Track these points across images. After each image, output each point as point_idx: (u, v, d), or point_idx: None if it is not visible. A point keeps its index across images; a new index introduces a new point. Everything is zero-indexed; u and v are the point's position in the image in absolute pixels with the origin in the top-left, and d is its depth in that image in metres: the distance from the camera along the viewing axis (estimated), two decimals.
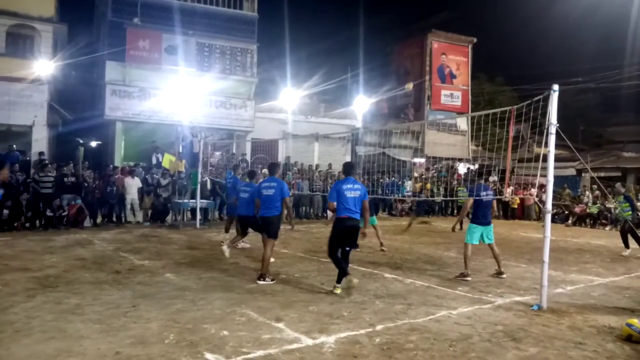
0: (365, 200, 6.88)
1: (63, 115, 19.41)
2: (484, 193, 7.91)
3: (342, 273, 6.64)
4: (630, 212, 11.11)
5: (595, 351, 4.73)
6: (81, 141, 21.18)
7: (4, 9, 16.64)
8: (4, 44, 17.13)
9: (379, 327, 5.20)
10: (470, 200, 8.02)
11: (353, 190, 6.79)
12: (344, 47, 32.11)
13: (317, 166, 20.44)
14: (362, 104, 23.67)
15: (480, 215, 7.95)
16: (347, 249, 6.88)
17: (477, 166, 25.00)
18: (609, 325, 5.51)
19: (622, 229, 11.42)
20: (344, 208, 6.71)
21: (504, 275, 8.04)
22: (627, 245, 11.02)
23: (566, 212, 19.88)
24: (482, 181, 8.16)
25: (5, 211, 12.01)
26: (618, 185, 12.01)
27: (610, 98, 32.10)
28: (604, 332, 5.29)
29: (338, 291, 6.62)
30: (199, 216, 14.23)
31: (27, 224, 12.61)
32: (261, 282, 7.07)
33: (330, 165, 20.61)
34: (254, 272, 7.78)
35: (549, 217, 6.33)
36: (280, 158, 21.10)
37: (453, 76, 27.63)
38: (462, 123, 27.47)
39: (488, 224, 8.01)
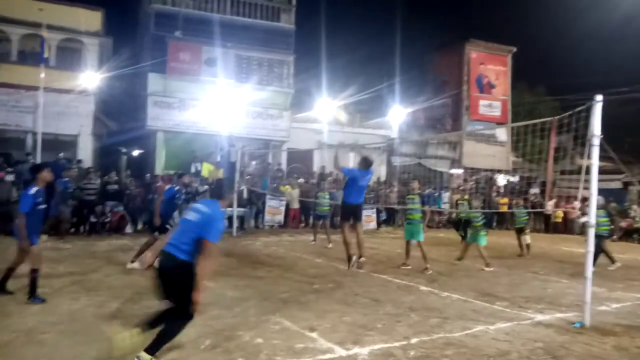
0: (206, 238, 4.11)
1: (107, 126, 20.15)
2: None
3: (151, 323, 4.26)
4: (607, 227, 10.88)
5: None
6: (124, 150, 21.88)
7: (55, 24, 17.49)
8: (54, 57, 18.00)
9: (413, 340, 5.13)
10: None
11: (192, 212, 4.35)
12: (380, 57, 32.18)
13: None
14: (398, 114, 23.53)
15: None
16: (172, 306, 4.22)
17: (517, 178, 24.46)
18: None
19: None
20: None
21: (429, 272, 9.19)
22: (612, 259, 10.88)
23: (611, 226, 19.09)
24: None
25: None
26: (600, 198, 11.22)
27: None
28: None
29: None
30: (235, 224, 14.44)
31: (72, 230, 13.10)
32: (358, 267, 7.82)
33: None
34: (289, 281, 7.83)
35: (592, 232, 6.12)
36: (316, 168, 21.19)
37: (492, 86, 27.15)
38: (502, 134, 26.89)
39: None
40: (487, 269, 9.95)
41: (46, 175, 6.30)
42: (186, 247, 4.17)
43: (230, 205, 14.09)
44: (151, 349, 4.05)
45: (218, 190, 4.80)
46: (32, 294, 6.00)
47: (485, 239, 10.26)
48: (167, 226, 8.65)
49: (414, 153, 23.39)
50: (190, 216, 4.31)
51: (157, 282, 4.26)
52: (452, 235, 15.42)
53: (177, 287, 4.15)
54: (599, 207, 10.61)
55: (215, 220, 4.22)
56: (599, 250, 10.30)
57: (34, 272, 6.01)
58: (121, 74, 19.91)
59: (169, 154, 19.73)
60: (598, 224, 10.44)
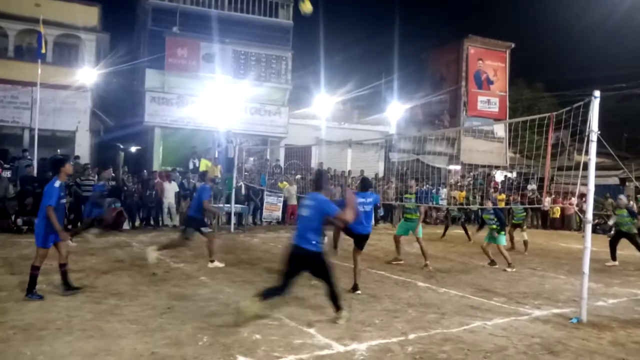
0: (328, 215, 5.32)
1: (104, 121, 20.12)
2: None
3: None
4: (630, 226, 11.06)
5: None
6: (121, 146, 21.84)
7: (52, 19, 17.41)
8: (51, 53, 17.93)
9: (411, 336, 5.14)
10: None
11: (303, 208, 5.51)
12: (379, 54, 32.17)
13: (350, 172, 20.43)
14: (396, 110, 23.52)
15: None
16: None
17: (515, 174, 24.46)
18: None
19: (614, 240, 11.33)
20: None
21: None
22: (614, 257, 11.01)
23: (608, 222, 19.15)
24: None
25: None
26: (622, 197, 11.93)
27: None
28: None
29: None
30: (233, 221, 14.43)
31: (70, 226, 13.06)
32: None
33: (362, 171, 20.53)
34: None
35: (589, 228, 6.13)
36: (313, 164, 21.17)
37: (490, 82, 27.15)
38: (500, 130, 26.91)
39: None
40: (509, 269, 9.45)
41: (69, 168, 6.41)
42: (312, 238, 5.21)
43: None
44: (337, 307, 5.46)
45: (317, 182, 5.63)
46: (30, 291, 5.98)
47: (504, 239, 9.94)
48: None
49: (412, 149, 23.37)
50: (303, 212, 5.35)
51: (288, 264, 5.32)
52: (450, 231, 15.46)
53: (318, 269, 5.36)
54: (621, 207, 11.09)
55: (322, 202, 5.24)
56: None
57: (34, 270, 6.00)
58: (118, 69, 19.87)
59: (167, 150, 19.71)
60: (624, 223, 10.97)
